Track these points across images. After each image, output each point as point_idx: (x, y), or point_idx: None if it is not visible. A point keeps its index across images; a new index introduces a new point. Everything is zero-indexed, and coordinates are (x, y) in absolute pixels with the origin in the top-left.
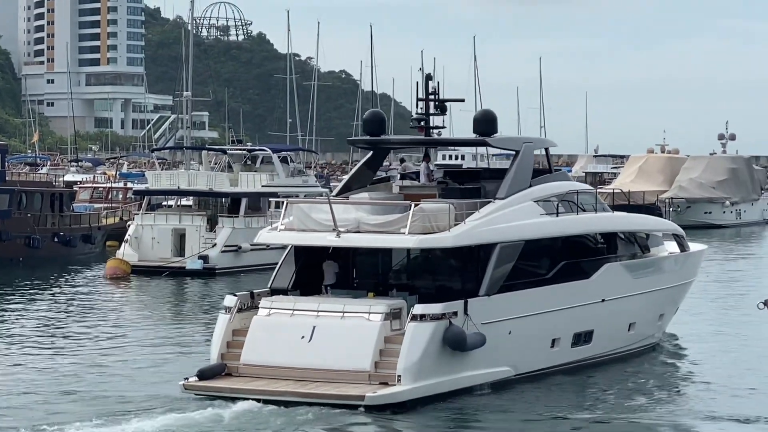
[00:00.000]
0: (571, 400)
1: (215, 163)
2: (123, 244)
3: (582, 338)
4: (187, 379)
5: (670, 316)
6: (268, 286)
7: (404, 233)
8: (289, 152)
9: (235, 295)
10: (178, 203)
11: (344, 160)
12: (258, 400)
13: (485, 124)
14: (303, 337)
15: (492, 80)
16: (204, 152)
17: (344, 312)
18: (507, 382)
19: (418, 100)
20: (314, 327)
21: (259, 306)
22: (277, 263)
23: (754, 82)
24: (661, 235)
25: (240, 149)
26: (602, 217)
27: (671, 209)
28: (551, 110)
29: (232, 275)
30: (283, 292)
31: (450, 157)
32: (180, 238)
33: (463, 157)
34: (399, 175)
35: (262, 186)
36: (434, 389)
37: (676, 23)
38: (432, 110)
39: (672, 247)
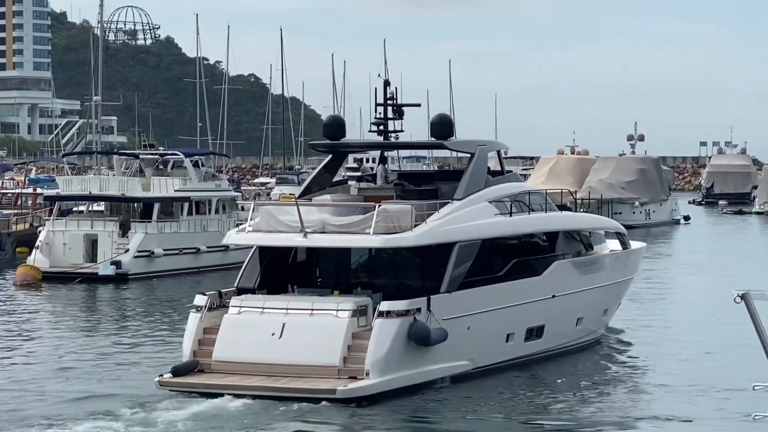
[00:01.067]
0: (524, 393)
1: (126, 168)
2: (34, 250)
3: (534, 333)
4: (161, 375)
5: (613, 311)
6: (235, 285)
7: (369, 233)
8: (201, 156)
9: (205, 295)
10: (90, 209)
11: (254, 164)
12: (232, 395)
13: (442, 127)
14: (273, 334)
15: (403, 83)
16: (115, 157)
17: (313, 309)
18: (465, 376)
19: (376, 105)
20: (284, 324)
21: (230, 305)
22: (190, 268)
23: (663, 84)
24: (603, 233)
25: (152, 154)
26: (551, 216)
27: (581, 210)
28: (461, 112)
29: (145, 281)
30: (250, 291)
31: (360, 160)
32: (92, 243)
33: (366, 161)
34: (357, 177)
35: (175, 190)
36: (400, 382)
37: (586, 26)
38: (390, 114)
39: (613, 244)
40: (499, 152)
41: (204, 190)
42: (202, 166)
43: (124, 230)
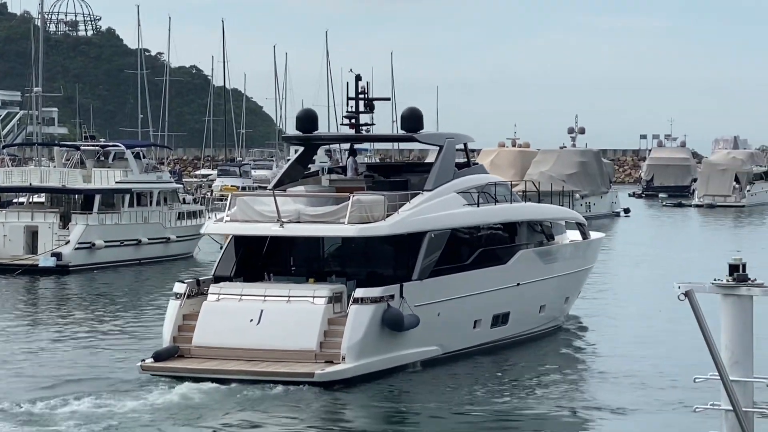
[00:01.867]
0: (489, 378)
1: (67, 160)
2: None
3: (500, 320)
4: (143, 360)
5: (573, 299)
6: (212, 274)
7: (344, 223)
8: (142, 148)
9: (184, 282)
10: (30, 200)
11: (196, 156)
12: (213, 379)
13: (412, 121)
14: (251, 320)
15: (345, 75)
16: (56, 148)
17: (290, 296)
18: (435, 361)
19: (348, 99)
20: (262, 311)
21: (208, 292)
22: (131, 260)
23: (603, 77)
24: (564, 224)
25: (93, 145)
26: (516, 207)
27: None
28: (403, 105)
29: (86, 273)
30: (227, 279)
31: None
32: (32, 235)
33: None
34: (327, 169)
35: (116, 182)
36: (375, 367)
37: (528, 19)
38: (361, 108)
39: (573, 234)
40: (465, 144)
41: (145, 182)
42: (144, 157)
43: (65, 222)
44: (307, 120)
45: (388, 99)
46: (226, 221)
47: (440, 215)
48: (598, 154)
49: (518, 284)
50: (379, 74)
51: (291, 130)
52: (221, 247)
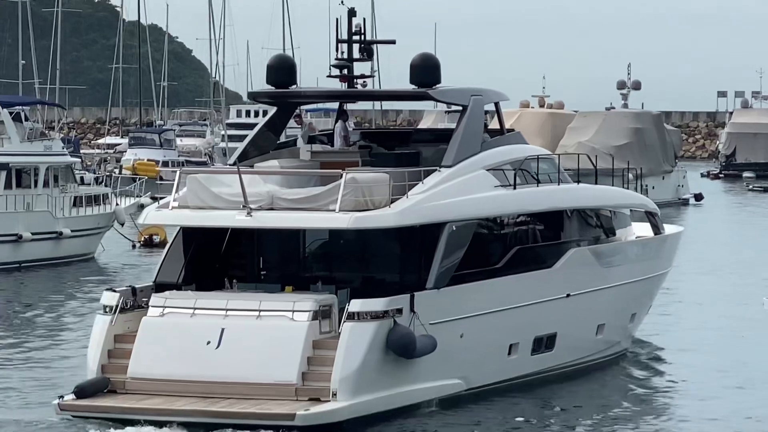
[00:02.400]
0: (530, 426)
1: None
2: None
3: (544, 344)
4: (62, 397)
5: (642, 316)
6: (153, 280)
7: (334, 210)
8: (24, 107)
9: (115, 291)
10: None
11: (99, 118)
12: (157, 423)
13: (426, 72)
14: (209, 342)
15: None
16: None
17: (261, 310)
18: (456, 399)
19: (338, 42)
20: (223, 329)
21: (149, 304)
22: (7, 264)
23: (667, 12)
24: (629, 213)
25: None
26: (566, 189)
27: None
28: (387, 48)
29: None
30: (173, 287)
31: (248, 113)
32: None
33: (256, 114)
34: (307, 138)
35: None
36: (376, 406)
37: None
38: (356, 54)
39: (641, 228)
40: (497, 104)
41: (28, 154)
42: (27, 120)
43: None
44: (282, 70)
45: (393, 42)
46: (173, 208)
47: (464, 200)
48: (659, 119)
49: (568, 295)
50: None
51: (230, 82)
52: (133, 246)
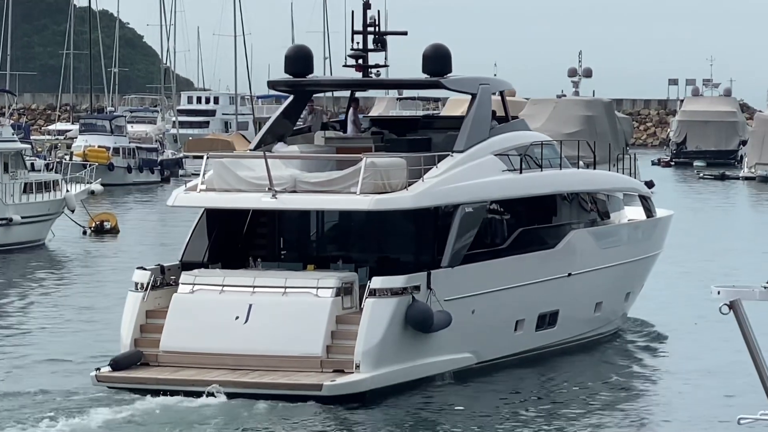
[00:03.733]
0: (540, 397)
1: None
2: None
3: (547, 320)
4: (98, 369)
5: (635, 295)
6: (179, 259)
7: (355, 192)
8: None
9: (145, 269)
10: None
11: (50, 104)
12: (189, 393)
13: (437, 61)
14: (237, 317)
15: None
16: None
17: (286, 287)
18: (467, 372)
19: (353, 33)
20: (250, 305)
21: (179, 281)
22: None
23: (617, 2)
24: (621, 197)
25: None
26: (568, 174)
27: None
28: (339, 34)
29: None
30: (198, 266)
31: (199, 100)
32: None
33: (207, 100)
34: (319, 125)
35: None
36: (396, 378)
37: None
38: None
39: (632, 211)
40: (501, 93)
41: None
42: None
43: None
44: (299, 60)
45: (405, 33)
46: (200, 191)
47: (476, 184)
48: (610, 107)
49: (569, 275)
50: None
51: (181, 68)
52: (84, 232)
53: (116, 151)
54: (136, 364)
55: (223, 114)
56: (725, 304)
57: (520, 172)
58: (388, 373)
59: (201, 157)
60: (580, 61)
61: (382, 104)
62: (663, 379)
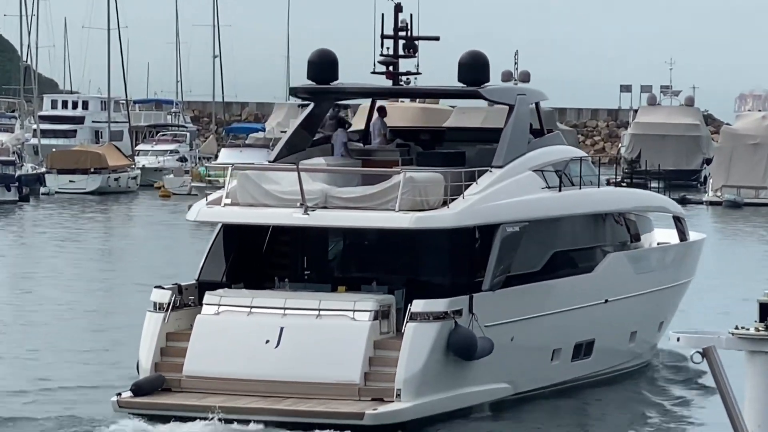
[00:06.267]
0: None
1: None
2: None
3: (583, 350)
4: (119, 394)
5: (667, 324)
6: (195, 278)
7: (393, 210)
8: None
9: (164, 288)
10: None
11: None
12: (221, 420)
13: (475, 70)
14: (267, 341)
15: None
16: None
17: (321, 309)
18: (502, 404)
19: (383, 37)
20: (282, 329)
21: (204, 302)
22: None
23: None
24: (651, 218)
25: None
26: (606, 192)
27: None
28: (232, 29)
29: None
30: (216, 286)
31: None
32: None
33: (75, 105)
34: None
35: None
36: (437, 407)
37: None
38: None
39: (662, 234)
40: (537, 104)
41: None
42: None
43: None
44: (324, 66)
45: (437, 38)
46: (225, 205)
47: (517, 202)
48: (550, 117)
49: (606, 301)
50: None
51: (44, 67)
52: None
53: None
54: (158, 390)
55: (93, 121)
56: (698, 352)
57: (560, 190)
58: (430, 402)
59: (67, 172)
60: (516, 64)
61: (281, 112)
62: (699, 413)
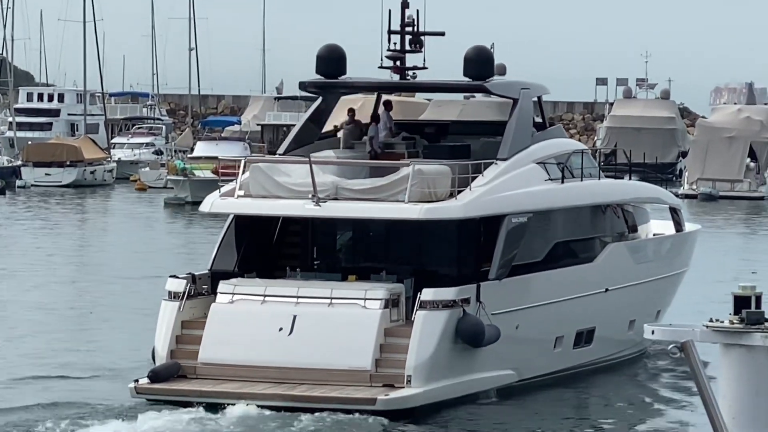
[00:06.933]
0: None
1: None
2: None
3: (584, 338)
4: (137, 381)
5: (663, 313)
6: (208, 268)
7: (402, 201)
8: None
9: (179, 278)
10: None
11: None
12: (236, 406)
13: (480, 65)
14: (280, 329)
15: None
16: None
17: (333, 298)
18: (508, 390)
19: (389, 33)
20: (295, 317)
21: (218, 291)
22: None
23: None
24: (648, 209)
25: None
26: (606, 184)
27: None
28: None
29: None
30: (229, 275)
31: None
32: None
33: (51, 98)
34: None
35: None
36: (446, 393)
37: None
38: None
39: (658, 225)
40: (539, 98)
41: None
42: None
43: None
44: (332, 60)
45: (443, 34)
46: (238, 196)
47: (522, 193)
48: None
49: (606, 290)
50: None
51: (20, 59)
52: None
53: None
54: (174, 376)
55: (69, 114)
56: (675, 346)
57: (562, 182)
58: (439, 388)
59: (43, 165)
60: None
61: (257, 105)
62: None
